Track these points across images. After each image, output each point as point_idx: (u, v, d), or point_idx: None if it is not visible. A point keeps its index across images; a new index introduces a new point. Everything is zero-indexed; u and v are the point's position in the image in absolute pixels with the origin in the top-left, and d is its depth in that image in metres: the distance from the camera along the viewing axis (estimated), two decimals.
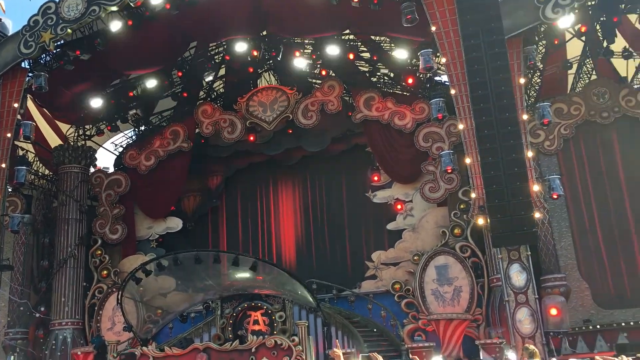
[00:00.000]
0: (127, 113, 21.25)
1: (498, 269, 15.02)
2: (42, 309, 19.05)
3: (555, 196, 15.22)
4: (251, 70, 21.34)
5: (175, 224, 21.00)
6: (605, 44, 17.50)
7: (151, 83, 20.06)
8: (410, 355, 14.22)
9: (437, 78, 19.78)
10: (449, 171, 17.09)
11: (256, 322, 16.70)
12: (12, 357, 17.04)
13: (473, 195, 14.92)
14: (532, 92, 18.90)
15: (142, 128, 22.44)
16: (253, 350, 14.38)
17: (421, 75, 19.30)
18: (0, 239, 16.81)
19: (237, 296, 17.15)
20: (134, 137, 22.60)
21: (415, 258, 17.97)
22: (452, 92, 14.88)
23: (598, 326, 15.12)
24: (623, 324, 14.99)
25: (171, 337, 17.87)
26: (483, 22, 14.13)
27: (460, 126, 14.89)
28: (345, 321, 17.18)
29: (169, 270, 17.49)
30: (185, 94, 21.53)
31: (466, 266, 17.21)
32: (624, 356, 3.25)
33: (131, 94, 20.58)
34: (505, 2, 14.40)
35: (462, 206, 17.53)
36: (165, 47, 18.00)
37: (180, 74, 20.52)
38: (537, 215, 13.97)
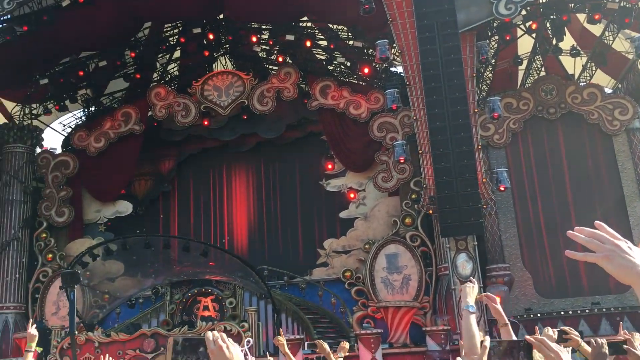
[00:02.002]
0: (77, 93, 20.66)
1: (446, 258, 15.38)
2: None
3: (502, 188, 15.66)
4: (207, 53, 21.02)
5: (125, 208, 20.59)
6: (554, 41, 18.05)
7: (102, 63, 19.53)
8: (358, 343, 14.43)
9: (392, 69, 19.98)
10: (402, 161, 17.33)
11: (206, 308, 16.65)
12: None
13: (424, 185, 15.22)
14: (484, 86, 19.35)
15: (92, 109, 21.84)
16: (202, 336, 14.32)
17: (377, 66, 19.43)
18: None
19: (187, 282, 17.06)
20: (83, 117, 21.98)
21: (366, 246, 18.18)
22: (407, 83, 15.08)
23: (539, 314, 15.69)
24: (562, 313, 15.61)
25: (118, 323, 17.61)
26: (438, 15, 14.35)
27: (414, 117, 15.12)
28: (296, 308, 17.31)
29: (117, 255, 17.25)
30: (138, 76, 21.06)
31: (415, 255, 17.52)
32: (549, 327, 3.48)
33: (81, 73, 19.96)
34: None
35: (413, 196, 17.81)
36: (117, 26, 17.55)
37: (133, 54, 20.07)
38: (484, 206, 14.37)
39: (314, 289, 18.43)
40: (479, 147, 15.09)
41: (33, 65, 18.34)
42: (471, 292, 2.93)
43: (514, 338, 3.18)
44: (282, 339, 4.71)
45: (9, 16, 15.99)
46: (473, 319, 2.76)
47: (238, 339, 14.27)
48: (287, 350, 4.60)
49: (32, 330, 4.52)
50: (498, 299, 3.28)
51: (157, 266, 17.83)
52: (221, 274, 17.69)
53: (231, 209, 20.96)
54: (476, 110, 15.21)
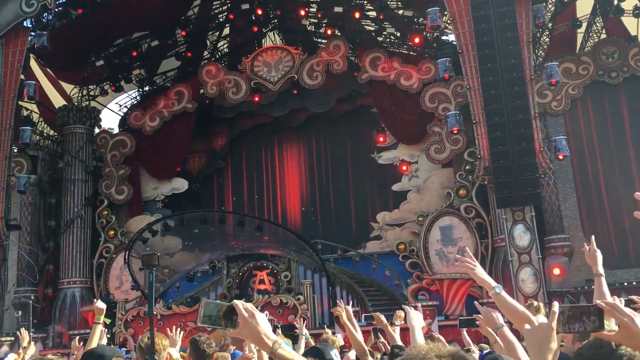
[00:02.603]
0: (131, 73, 21.11)
1: (502, 229, 15.10)
2: (50, 268, 19.37)
3: (561, 157, 15.18)
4: (255, 29, 21.06)
5: (180, 184, 21.05)
6: (615, 1, 17.16)
7: (154, 43, 19.86)
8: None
9: (444, 37, 19.50)
10: (455, 132, 17.02)
11: (262, 281, 16.95)
12: (19, 313, 17.37)
13: (479, 156, 14.91)
14: (540, 52, 18.64)
15: (146, 88, 22.31)
16: (259, 308, 14.62)
17: (428, 35, 19.01)
18: (8, 199, 16.88)
19: (243, 256, 17.37)
20: (138, 97, 22.49)
21: (419, 219, 18.03)
22: (459, 51, 14.71)
23: None
24: (625, 284, 15.10)
25: (178, 296, 18.16)
26: None
27: (467, 86, 14.76)
28: (350, 281, 17.40)
29: (175, 231, 17.70)
30: (189, 54, 21.32)
31: (470, 227, 17.26)
32: (616, 297, 3.42)
33: (134, 53, 20.38)
34: None
35: (467, 167, 17.49)
36: (167, 5, 17.75)
37: (183, 33, 20.31)
38: (542, 176, 13.98)
39: (367, 262, 18.46)
40: (536, 114, 14.62)
41: (89, 47, 18.81)
42: (483, 272, 2.85)
43: (605, 289, 3.12)
44: (340, 309, 4.73)
45: (64, 0, 16.41)
46: (505, 294, 2.68)
47: (294, 311, 14.50)
48: (346, 320, 4.61)
49: (100, 304, 4.68)
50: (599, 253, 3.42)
51: (213, 241, 18.24)
52: (276, 248, 17.94)
53: (283, 184, 21.14)
54: (533, 77, 14.72)
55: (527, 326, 2.01)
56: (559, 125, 16.67)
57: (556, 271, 14.51)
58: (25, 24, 16.57)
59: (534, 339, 1.97)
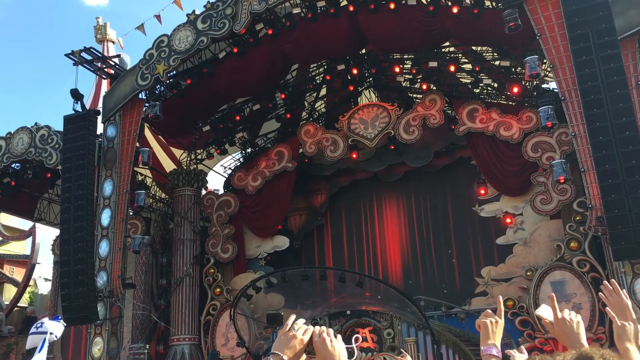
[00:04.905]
0: (235, 136, 22.16)
1: (622, 284, 14.03)
2: (161, 325, 20.17)
3: None
4: (351, 88, 21.61)
5: (282, 242, 21.47)
6: None
7: (256, 107, 20.84)
8: None
9: (544, 85, 19.00)
10: (562, 181, 16.31)
11: (364, 339, 16.68)
12: None
13: (589, 205, 14.13)
14: None
15: (249, 150, 23.30)
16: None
17: (527, 83, 18.62)
18: (124, 259, 17.94)
19: (345, 313, 17.25)
20: (241, 159, 23.51)
21: (528, 274, 17.17)
22: (562, 98, 14.26)
23: None
24: None
25: None
26: (592, 23, 13.45)
27: (573, 133, 14.20)
28: (456, 339, 16.73)
29: (277, 288, 17.97)
30: (288, 116, 22.15)
31: (585, 282, 16.20)
32: None
33: (238, 117, 21.46)
34: (615, 2, 13.66)
35: (577, 218, 16.57)
36: (268, 71, 18.67)
37: (283, 96, 21.19)
38: None
39: (473, 319, 17.61)
40: None
41: (196, 114, 20.06)
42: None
43: None
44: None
45: (174, 72, 17.71)
46: None
47: None
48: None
49: None
50: None
51: (315, 297, 18.28)
52: (377, 304, 17.69)
53: (383, 239, 21.02)
54: None
55: None
56: None
57: None
58: (140, 96, 17.98)
59: None
